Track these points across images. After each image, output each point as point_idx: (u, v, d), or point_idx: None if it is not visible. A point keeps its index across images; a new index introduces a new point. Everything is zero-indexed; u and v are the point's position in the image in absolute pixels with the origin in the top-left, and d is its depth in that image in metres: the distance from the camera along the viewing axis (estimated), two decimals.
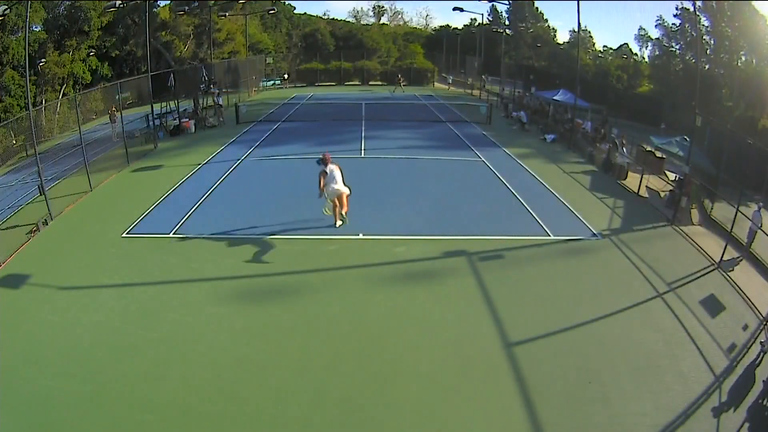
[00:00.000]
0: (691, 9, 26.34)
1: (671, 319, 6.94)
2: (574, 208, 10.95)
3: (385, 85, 37.00)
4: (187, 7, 29.58)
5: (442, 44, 45.36)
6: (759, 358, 6.09)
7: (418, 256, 8.66)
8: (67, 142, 19.28)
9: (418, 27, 57.20)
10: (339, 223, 9.44)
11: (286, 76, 37.89)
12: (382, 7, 57.10)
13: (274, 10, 35.42)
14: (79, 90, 26.88)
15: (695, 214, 11.15)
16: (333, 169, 9.08)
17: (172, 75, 21.51)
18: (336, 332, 6.49)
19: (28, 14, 12.26)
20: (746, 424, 5.17)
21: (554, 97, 22.04)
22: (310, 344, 6.24)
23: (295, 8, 48.30)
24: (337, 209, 9.39)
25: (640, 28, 32.19)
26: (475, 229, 9.76)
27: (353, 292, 7.46)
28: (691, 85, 16.76)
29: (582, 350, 6.16)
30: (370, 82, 38.44)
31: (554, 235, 9.51)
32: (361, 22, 53.87)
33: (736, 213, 9.29)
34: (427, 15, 77.20)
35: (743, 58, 24.63)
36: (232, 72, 29.82)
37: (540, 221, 10.15)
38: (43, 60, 26.43)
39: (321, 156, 9.20)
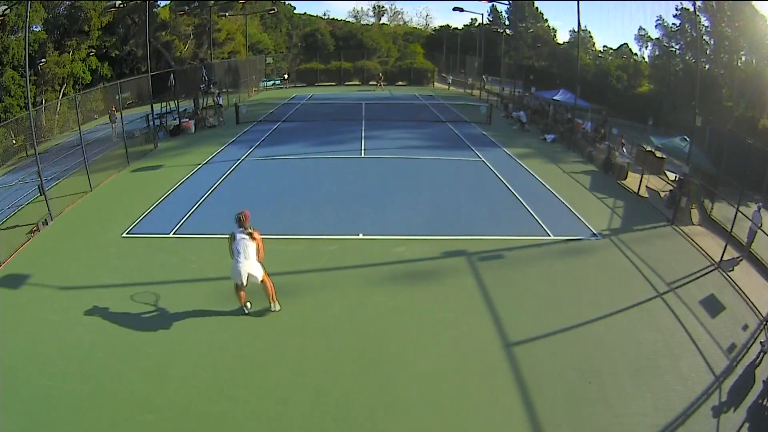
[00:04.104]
0: (691, 9, 26.32)
1: (671, 319, 6.93)
2: (574, 208, 10.95)
3: (383, 85, 36.98)
4: (187, 7, 29.54)
5: (442, 44, 45.37)
6: (759, 358, 6.09)
7: (418, 256, 8.65)
8: (67, 142, 19.29)
9: (418, 27, 57.37)
10: (247, 307, 6.79)
11: (286, 76, 37.90)
12: (382, 7, 57.24)
13: (274, 10, 35.39)
14: (79, 90, 26.88)
15: (695, 214, 11.15)
16: (245, 237, 6.35)
17: (172, 75, 21.50)
18: (336, 332, 6.49)
19: (28, 14, 12.23)
20: (746, 424, 5.17)
21: (554, 97, 22.03)
22: (310, 344, 6.24)
23: (295, 8, 48.40)
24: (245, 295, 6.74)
25: (640, 28, 32.23)
26: (475, 229, 9.75)
27: (353, 292, 7.46)
28: (691, 85, 16.77)
29: (582, 350, 6.16)
30: (371, 82, 38.46)
31: (554, 235, 9.51)
32: (361, 22, 53.95)
33: (736, 213, 9.28)
34: (427, 15, 77.42)
35: (743, 58, 24.62)
36: (232, 72, 29.82)
37: (540, 221, 10.15)
38: (43, 60, 26.44)
39: (239, 216, 6.43)
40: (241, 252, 6.30)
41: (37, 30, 26.61)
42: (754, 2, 23.50)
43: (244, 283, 6.46)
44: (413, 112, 23.46)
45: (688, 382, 5.65)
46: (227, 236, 6.51)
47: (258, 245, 6.41)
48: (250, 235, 6.35)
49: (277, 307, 6.85)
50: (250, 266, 6.38)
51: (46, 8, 26.56)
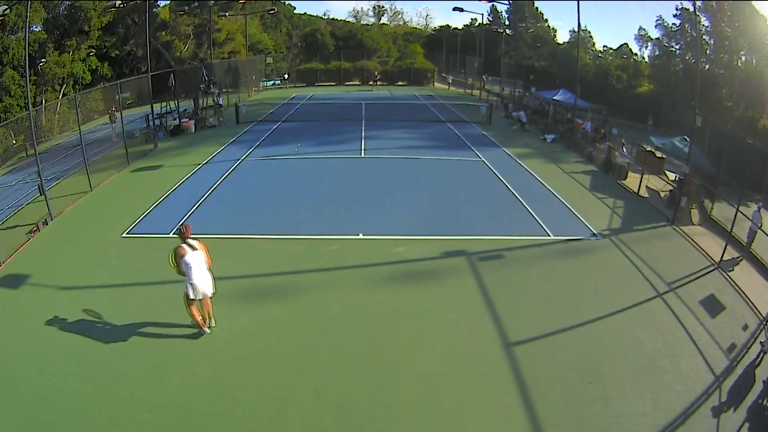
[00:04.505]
0: (691, 9, 26.34)
1: (671, 319, 6.94)
2: (574, 208, 10.95)
3: (379, 84, 36.96)
4: (187, 7, 29.57)
5: (442, 44, 45.41)
6: (759, 358, 6.09)
7: (418, 256, 8.65)
8: (67, 142, 19.29)
9: (418, 27, 57.50)
10: (207, 329, 6.38)
11: (286, 76, 37.91)
12: (382, 7, 57.35)
13: (274, 10, 35.41)
14: (79, 90, 26.87)
15: (695, 214, 11.15)
16: (195, 250, 6.15)
17: (172, 75, 21.50)
18: (336, 332, 6.49)
19: (28, 14, 12.24)
20: (746, 424, 5.17)
21: (554, 97, 22.04)
22: (309, 344, 6.24)
23: (295, 8, 48.44)
24: (204, 312, 6.43)
25: (640, 28, 32.28)
26: (475, 229, 9.75)
27: (353, 292, 7.46)
28: (691, 85, 16.78)
29: (582, 350, 6.16)
30: (370, 82, 38.48)
31: (554, 235, 9.51)
32: (361, 22, 54.02)
33: (736, 213, 9.28)
34: (427, 15, 77.53)
35: (743, 58, 24.63)
36: (232, 72, 29.84)
37: (540, 221, 10.15)
38: (43, 60, 26.43)
39: (179, 228, 6.31)
40: (196, 265, 6.06)
41: (37, 30, 26.59)
42: (754, 2, 23.53)
43: (209, 294, 6.25)
44: (413, 112, 23.47)
45: (688, 382, 5.66)
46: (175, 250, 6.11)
47: (206, 254, 6.23)
48: (194, 247, 6.15)
49: (214, 324, 6.50)
50: (209, 277, 6.24)
51: (46, 8, 26.54)
